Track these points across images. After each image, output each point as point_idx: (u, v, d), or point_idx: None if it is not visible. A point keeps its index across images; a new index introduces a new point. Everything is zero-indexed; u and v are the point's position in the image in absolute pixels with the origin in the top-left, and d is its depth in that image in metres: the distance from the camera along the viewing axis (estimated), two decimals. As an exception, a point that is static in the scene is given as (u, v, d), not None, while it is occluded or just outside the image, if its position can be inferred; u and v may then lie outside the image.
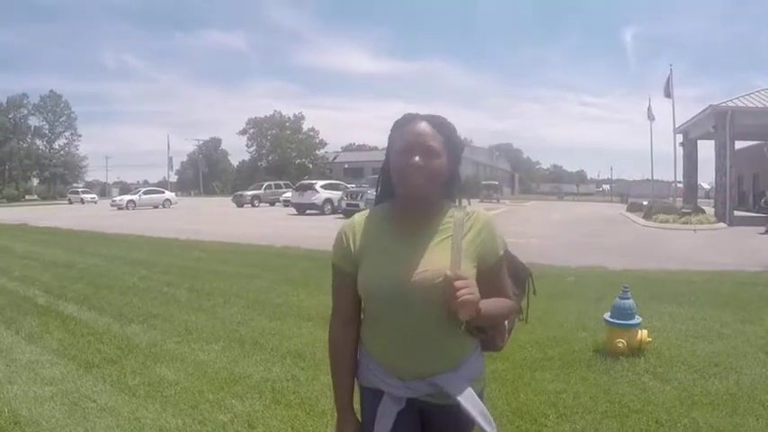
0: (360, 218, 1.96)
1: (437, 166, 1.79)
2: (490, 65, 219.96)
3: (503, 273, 1.95)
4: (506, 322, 2.08)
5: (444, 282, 1.68)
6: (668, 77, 34.91)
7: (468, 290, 1.66)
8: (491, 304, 1.82)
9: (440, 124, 1.85)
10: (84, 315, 7.41)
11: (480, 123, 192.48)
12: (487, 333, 1.97)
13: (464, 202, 1.97)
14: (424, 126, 1.82)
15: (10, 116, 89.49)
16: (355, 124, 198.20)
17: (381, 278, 1.82)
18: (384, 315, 1.86)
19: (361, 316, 1.99)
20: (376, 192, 2.01)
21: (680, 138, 34.21)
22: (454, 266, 1.75)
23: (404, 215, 1.87)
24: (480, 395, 1.91)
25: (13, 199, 76.19)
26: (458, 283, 1.65)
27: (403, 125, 1.85)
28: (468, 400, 1.84)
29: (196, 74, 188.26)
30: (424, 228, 1.85)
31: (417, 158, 1.76)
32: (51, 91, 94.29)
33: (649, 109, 39.60)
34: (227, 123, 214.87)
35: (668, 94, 34.74)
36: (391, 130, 1.89)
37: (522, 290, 2.21)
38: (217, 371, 5.15)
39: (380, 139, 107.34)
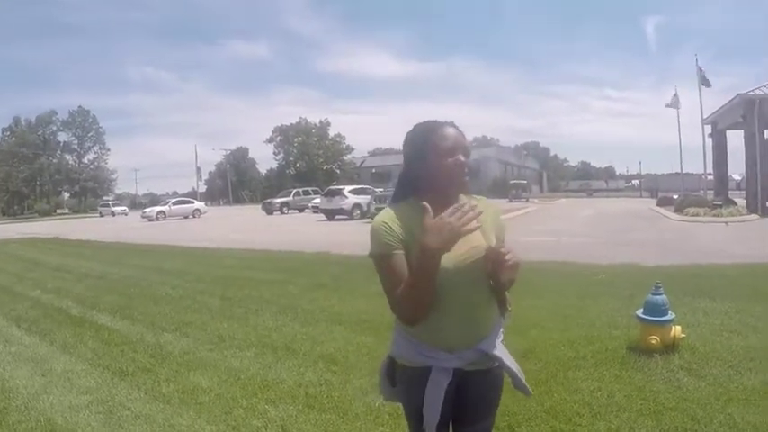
0: (392, 212, 2.08)
1: (471, 163, 2.08)
2: (512, 62, 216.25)
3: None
4: None
5: (490, 252, 2.01)
6: (699, 68, 34.28)
7: (512, 254, 1.96)
8: None
9: (459, 128, 2.10)
10: (117, 325, 7.52)
11: (505, 121, 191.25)
12: (502, 299, 2.19)
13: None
14: (454, 130, 2.07)
15: (39, 133, 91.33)
16: (381, 128, 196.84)
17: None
18: (438, 293, 1.99)
19: None
20: (395, 192, 2.20)
21: (708, 129, 33.69)
22: (489, 241, 2.08)
23: (435, 209, 1.97)
24: None
25: (44, 213, 77.76)
26: (503, 251, 1.96)
27: (436, 130, 2.07)
28: (506, 356, 2.17)
29: (220, 84, 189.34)
30: None
31: (461, 158, 2.03)
32: (80, 107, 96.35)
33: (675, 96, 38.69)
34: (254, 132, 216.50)
35: (705, 83, 34.00)
36: (417, 135, 2.10)
37: None
38: (250, 377, 5.19)
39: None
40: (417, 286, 1.93)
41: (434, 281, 1.92)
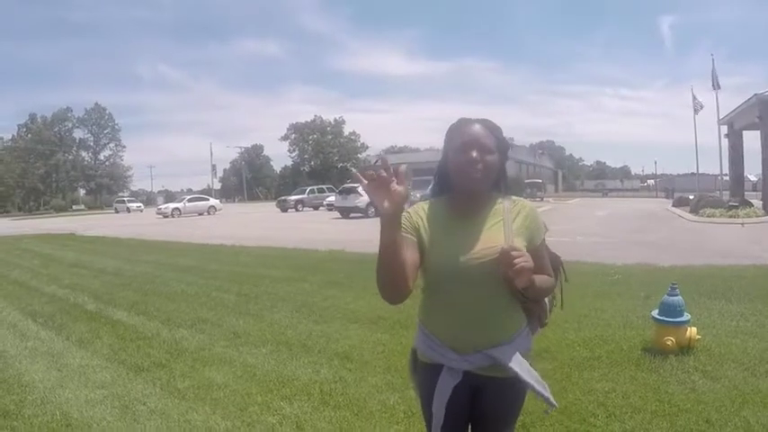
0: (425, 205, 2.20)
1: (490, 161, 2.05)
2: (525, 61, 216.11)
3: (545, 253, 2.21)
4: (546, 301, 2.32)
5: (502, 253, 1.92)
6: (713, 69, 34.10)
7: (523, 258, 1.89)
8: (539, 278, 2.06)
9: (490, 126, 2.11)
10: (133, 320, 7.57)
11: (519, 121, 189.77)
12: (534, 309, 2.23)
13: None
14: (478, 127, 2.09)
15: (55, 130, 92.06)
16: (396, 126, 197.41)
17: (448, 256, 2.05)
18: (448, 289, 2.09)
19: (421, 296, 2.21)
20: (432, 186, 2.24)
21: (724, 129, 33.40)
22: (509, 242, 2.01)
23: (461, 205, 2.12)
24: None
25: (60, 209, 78.40)
26: (514, 253, 1.89)
27: (459, 127, 2.12)
28: (523, 369, 2.08)
29: (233, 82, 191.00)
30: (479, 215, 2.11)
31: (475, 154, 2.02)
32: (96, 104, 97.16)
33: (696, 100, 38.46)
34: (268, 130, 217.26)
35: (715, 86, 33.84)
36: (447, 133, 2.15)
37: (556, 277, 2.39)
38: (265, 373, 5.21)
39: (421, 141, 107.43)
40: (379, 258, 1.95)
41: (390, 252, 1.91)
